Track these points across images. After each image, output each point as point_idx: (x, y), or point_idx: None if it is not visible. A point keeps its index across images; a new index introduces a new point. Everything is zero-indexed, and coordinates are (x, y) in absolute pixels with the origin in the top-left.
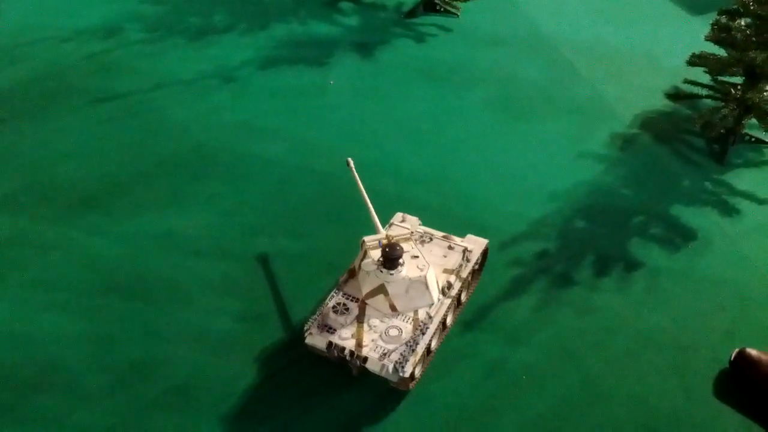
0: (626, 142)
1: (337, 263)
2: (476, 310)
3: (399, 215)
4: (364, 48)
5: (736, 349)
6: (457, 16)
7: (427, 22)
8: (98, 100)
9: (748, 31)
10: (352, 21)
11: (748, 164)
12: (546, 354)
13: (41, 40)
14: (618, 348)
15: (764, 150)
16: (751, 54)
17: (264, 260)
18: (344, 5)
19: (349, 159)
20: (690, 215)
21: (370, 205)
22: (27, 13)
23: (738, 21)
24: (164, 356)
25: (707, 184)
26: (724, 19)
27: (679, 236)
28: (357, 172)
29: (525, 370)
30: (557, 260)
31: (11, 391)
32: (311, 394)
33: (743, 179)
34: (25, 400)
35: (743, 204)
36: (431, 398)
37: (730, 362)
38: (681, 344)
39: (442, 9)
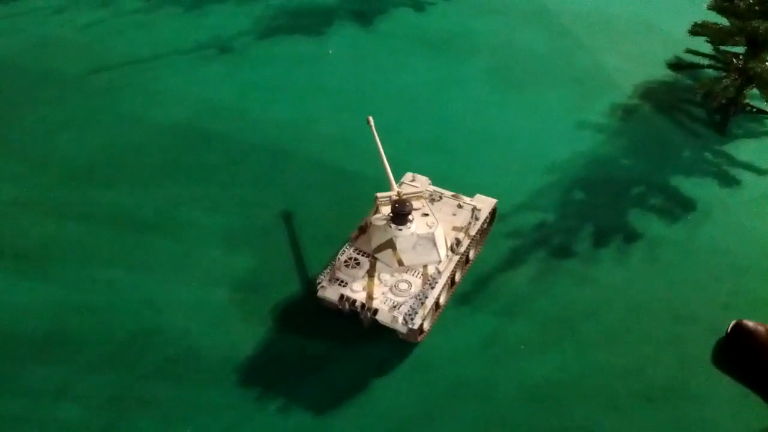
0: (626, 112)
1: (333, 234)
2: (475, 280)
3: (409, 175)
4: (363, 17)
5: (733, 321)
6: None
7: None
8: (93, 71)
9: (750, 0)
10: None
11: (749, 135)
12: (543, 324)
13: (34, 10)
14: (615, 318)
15: (765, 120)
16: (754, 23)
17: (261, 231)
18: None
19: (370, 117)
20: (690, 186)
21: (386, 163)
22: None
23: None
24: (162, 326)
25: (707, 154)
26: None
27: (679, 207)
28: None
29: (523, 340)
30: (555, 231)
31: (11, 361)
32: (306, 368)
33: (744, 150)
34: (24, 370)
35: (743, 175)
36: (430, 367)
37: (727, 333)
38: (678, 314)
39: None
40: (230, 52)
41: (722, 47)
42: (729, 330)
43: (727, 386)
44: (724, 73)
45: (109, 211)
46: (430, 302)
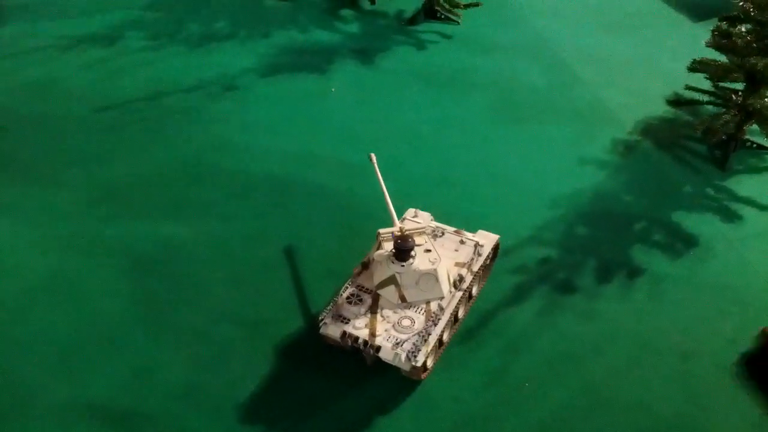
0: (627, 148)
1: (336, 269)
2: (479, 316)
3: (411, 211)
4: (365, 55)
5: (761, 327)
6: (458, 23)
7: (428, 29)
8: (99, 108)
9: (748, 37)
10: (353, 28)
11: (750, 170)
12: (548, 360)
13: (42, 48)
14: (620, 354)
15: (766, 156)
16: (752, 60)
17: (264, 266)
18: (345, 13)
19: (372, 154)
20: (692, 221)
21: (388, 198)
22: (27, 21)
23: (738, 27)
24: (164, 362)
25: (709, 190)
26: (724, 26)
27: (681, 242)
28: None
29: (527, 376)
30: (559, 266)
31: None
32: (309, 403)
33: (745, 185)
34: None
35: (745, 210)
36: (433, 404)
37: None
38: (683, 350)
39: (442, 16)
40: (235, 90)
41: (721, 84)
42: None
43: (734, 422)
44: (724, 109)
45: (110, 245)
46: (433, 339)
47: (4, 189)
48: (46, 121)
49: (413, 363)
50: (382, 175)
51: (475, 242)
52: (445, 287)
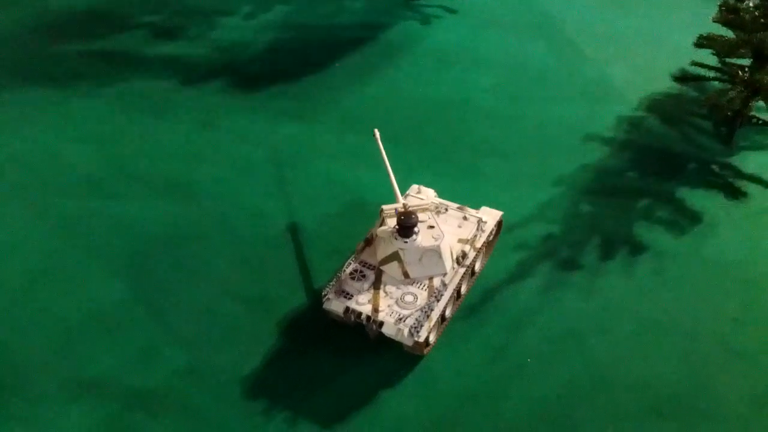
0: (632, 124)
1: (339, 246)
2: (482, 293)
3: (415, 187)
4: (370, 30)
5: None
6: None
7: (433, 3)
8: (104, 85)
9: (756, 12)
10: (358, 4)
11: (755, 147)
12: (551, 337)
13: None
14: (622, 331)
15: None
16: (759, 35)
17: (268, 243)
18: None
19: (376, 130)
20: (696, 198)
21: (392, 174)
22: None
23: (746, 2)
24: (170, 338)
25: (714, 166)
26: (732, 0)
27: (685, 219)
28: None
29: (529, 353)
30: (563, 243)
31: None
32: (313, 378)
33: (750, 162)
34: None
35: (750, 187)
36: (436, 380)
37: None
38: (686, 329)
39: None
40: (236, 67)
41: (728, 59)
42: None
43: (737, 401)
44: (730, 86)
45: (116, 222)
46: (435, 315)
47: (12, 169)
48: (50, 98)
49: (416, 338)
50: (385, 151)
51: (478, 218)
52: (448, 263)
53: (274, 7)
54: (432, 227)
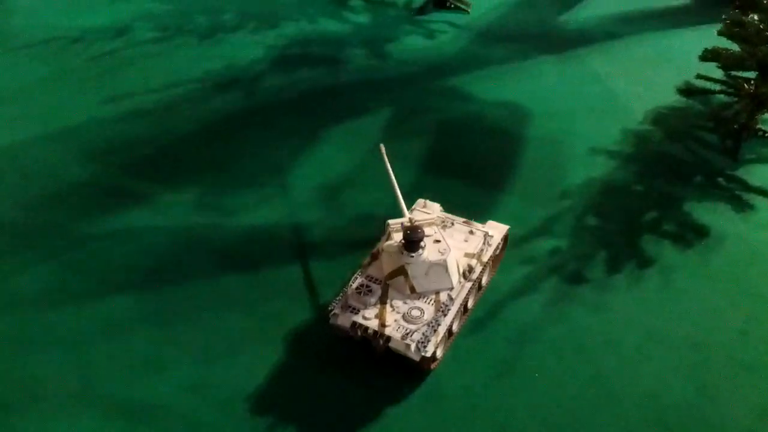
0: (638, 138)
1: (346, 261)
2: (488, 307)
3: (420, 201)
4: (374, 45)
5: None
6: (468, 12)
7: (437, 18)
8: (108, 99)
9: (761, 26)
10: (362, 18)
11: (762, 160)
12: (558, 352)
13: (51, 39)
14: (630, 345)
15: None
16: (765, 48)
17: (274, 257)
18: (354, 3)
19: (381, 145)
20: (703, 211)
21: (397, 189)
22: (36, 12)
23: (751, 15)
24: (175, 353)
25: (720, 179)
26: (736, 14)
27: (692, 233)
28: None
29: (536, 368)
30: (569, 257)
31: None
32: (318, 395)
33: (756, 175)
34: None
35: (756, 200)
36: (443, 396)
37: None
38: (694, 342)
39: (452, 5)
40: (243, 81)
41: (733, 72)
42: None
43: (744, 414)
44: (736, 99)
45: (118, 238)
46: (442, 329)
47: (13, 182)
48: (53, 112)
49: (423, 353)
50: (391, 166)
51: (484, 233)
52: (455, 278)
53: (279, 23)
54: (438, 241)
